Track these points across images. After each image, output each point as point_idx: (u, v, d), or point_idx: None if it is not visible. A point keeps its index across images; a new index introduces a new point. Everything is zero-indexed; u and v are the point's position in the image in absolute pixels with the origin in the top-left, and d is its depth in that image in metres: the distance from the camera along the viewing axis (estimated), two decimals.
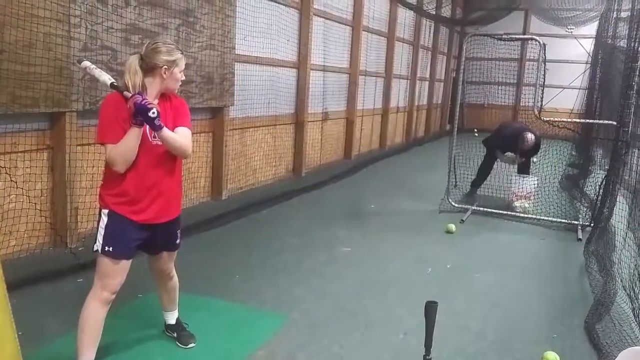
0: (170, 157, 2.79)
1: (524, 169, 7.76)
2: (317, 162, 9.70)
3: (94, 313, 2.72)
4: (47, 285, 3.99)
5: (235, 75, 6.77)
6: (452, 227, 6.19)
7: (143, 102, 2.51)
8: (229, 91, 6.64)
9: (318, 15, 9.04)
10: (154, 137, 2.69)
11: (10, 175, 4.26)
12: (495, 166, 7.89)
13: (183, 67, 2.82)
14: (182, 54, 2.83)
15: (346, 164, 10.24)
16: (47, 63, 4.25)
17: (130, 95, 2.56)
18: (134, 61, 2.70)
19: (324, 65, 9.49)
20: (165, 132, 2.63)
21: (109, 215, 2.70)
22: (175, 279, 3.20)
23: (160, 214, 2.80)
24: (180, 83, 2.84)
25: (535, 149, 7.52)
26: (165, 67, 2.71)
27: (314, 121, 9.37)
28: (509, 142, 7.49)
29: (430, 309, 2.32)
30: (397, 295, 4.24)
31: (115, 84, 2.64)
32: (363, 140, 11.77)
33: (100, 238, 2.70)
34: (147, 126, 2.62)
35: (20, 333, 2.27)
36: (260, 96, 7.56)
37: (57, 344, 3.18)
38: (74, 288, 4.01)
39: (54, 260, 4.39)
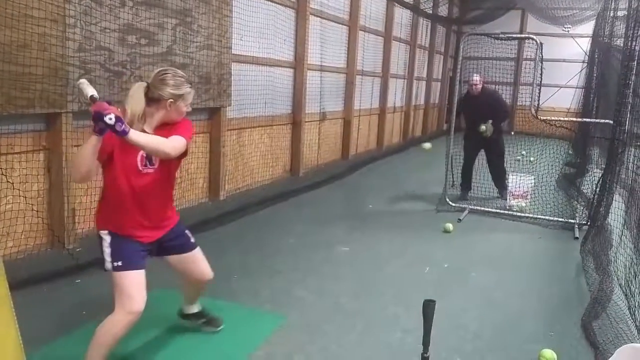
0: (164, 183, 2.79)
1: (498, 178, 7.82)
2: (315, 162, 9.70)
3: (115, 335, 2.66)
4: (45, 286, 3.99)
5: (233, 76, 6.77)
6: (450, 226, 6.20)
7: (99, 109, 2.31)
8: (226, 91, 6.64)
9: (314, 15, 9.03)
10: (145, 165, 2.68)
11: (6, 176, 4.26)
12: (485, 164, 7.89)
13: (190, 100, 2.78)
14: (190, 87, 2.77)
15: (344, 164, 10.24)
16: (42, 64, 4.24)
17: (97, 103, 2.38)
18: (138, 89, 2.66)
19: (320, 65, 9.49)
20: (133, 135, 2.40)
21: (110, 234, 2.70)
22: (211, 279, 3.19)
23: (155, 233, 2.82)
24: (184, 115, 2.78)
25: (492, 101, 7.50)
26: (171, 100, 2.67)
27: (311, 121, 9.36)
28: (466, 100, 7.51)
29: (428, 307, 2.32)
30: (395, 295, 4.25)
31: (95, 97, 2.41)
32: (360, 140, 11.77)
33: (107, 257, 2.68)
34: (139, 156, 2.63)
35: None
36: (258, 96, 7.55)
37: (55, 345, 3.18)
38: (71, 289, 4.01)
39: (52, 261, 4.38)
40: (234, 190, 7.21)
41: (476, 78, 7.43)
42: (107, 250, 2.69)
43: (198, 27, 6.00)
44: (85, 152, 2.43)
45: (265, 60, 7.71)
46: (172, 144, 2.62)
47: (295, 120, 8.82)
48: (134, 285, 2.66)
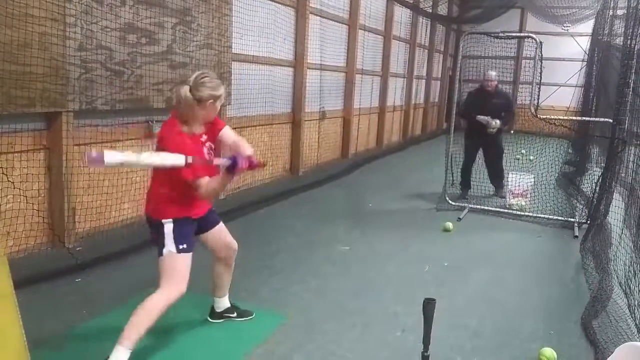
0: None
1: (496, 176, 7.83)
2: (314, 161, 9.70)
3: (161, 312, 2.90)
4: (46, 285, 3.99)
5: (232, 75, 6.77)
6: (450, 225, 6.21)
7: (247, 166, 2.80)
8: (226, 90, 6.63)
9: (314, 14, 9.03)
10: (211, 155, 3.03)
11: (7, 175, 4.26)
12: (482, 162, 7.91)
13: (223, 101, 3.05)
14: (225, 89, 3.05)
15: (343, 163, 10.25)
16: (43, 63, 4.25)
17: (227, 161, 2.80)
18: (187, 93, 2.87)
19: (320, 64, 9.49)
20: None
21: (173, 221, 2.96)
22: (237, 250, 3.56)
23: (205, 208, 3.20)
24: (216, 113, 3.06)
25: (504, 100, 7.55)
26: (211, 101, 2.92)
27: (310, 120, 9.37)
28: (477, 96, 7.50)
29: (429, 306, 2.33)
30: (395, 294, 4.26)
31: (190, 161, 2.72)
32: (360, 139, 11.78)
33: (170, 242, 2.94)
34: (205, 149, 3.01)
35: None
36: (257, 95, 7.56)
37: (55, 344, 3.18)
38: (72, 288, 4.02)
39: (52, 260, 4.39)
40: (233, 189, 7.22)
41: (492, 74, 7.43)
42: (170, 234, 2.94)
43: (198, 26, 6.00)
44: (221, 187, 2.92)
45: (265, 59, 7.71)
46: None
47: (295, 119, 8.82)
48: (187, 267, 3.00)
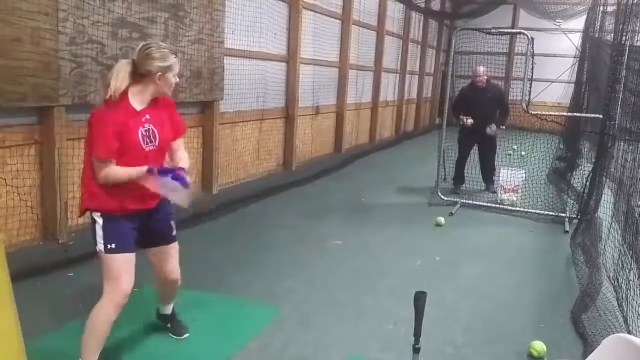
0: (161, 160, 2.82)
1: (488, 172, 7.89)
2: (308, 156, 9.71)
3: (106, 320, 2.68)
4: (38, 280, 3.99)
5: (225, 69, 6.76)
6: (442, 220, 6.24)
7: (181, 177, 2.66)
8: (219, 85, 6.63)
9: (307, 9, 9.02)
10: (147, 143, 2.70)
11: None
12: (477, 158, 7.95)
13: (177, 70, 2.76)
14: (176, 56, 2.74)
15: (336, 158, 10.26)
16: (35, 57, 4.22)
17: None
18: (125, 67, 2.63)
19: (313, 59, 9.49)
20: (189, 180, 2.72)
21: (103, 216, 2.69)
22: (179, 282, 3.11)
23: (146, 200, 2.78)
24: (173, 87, 2.79)
25: (497, 94, 7.61)
26: (160, 73, 2.65)
27: (304, 115, 9.37)
28: (469, 92, 7.57)
29: (420, 298, 2.35)
30: (387, 287, 4.29)
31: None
32: (353, 134, 11.80)
33: (100, 239, 2.68)
34: (140, 133, 2.66)
35: None
36: (250, 90, 7.55)
37: (48, 339, 3.19)
38: (64, 282, 4.02)
39: (44, 255, 4.38)
40: (226, 184, 7.22)
41: (481, 69, 7.47)
42: (99, 232, 2.68)
43: (190, 21, 5.98)
44: (125, 177, 2.63)
45: (257, 54, 7.70)
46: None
47: (289, 114, 8.82)
48: (124, 268, 2.69)
